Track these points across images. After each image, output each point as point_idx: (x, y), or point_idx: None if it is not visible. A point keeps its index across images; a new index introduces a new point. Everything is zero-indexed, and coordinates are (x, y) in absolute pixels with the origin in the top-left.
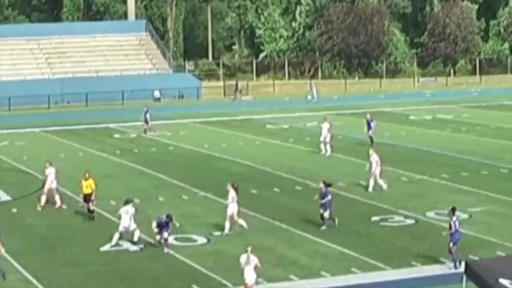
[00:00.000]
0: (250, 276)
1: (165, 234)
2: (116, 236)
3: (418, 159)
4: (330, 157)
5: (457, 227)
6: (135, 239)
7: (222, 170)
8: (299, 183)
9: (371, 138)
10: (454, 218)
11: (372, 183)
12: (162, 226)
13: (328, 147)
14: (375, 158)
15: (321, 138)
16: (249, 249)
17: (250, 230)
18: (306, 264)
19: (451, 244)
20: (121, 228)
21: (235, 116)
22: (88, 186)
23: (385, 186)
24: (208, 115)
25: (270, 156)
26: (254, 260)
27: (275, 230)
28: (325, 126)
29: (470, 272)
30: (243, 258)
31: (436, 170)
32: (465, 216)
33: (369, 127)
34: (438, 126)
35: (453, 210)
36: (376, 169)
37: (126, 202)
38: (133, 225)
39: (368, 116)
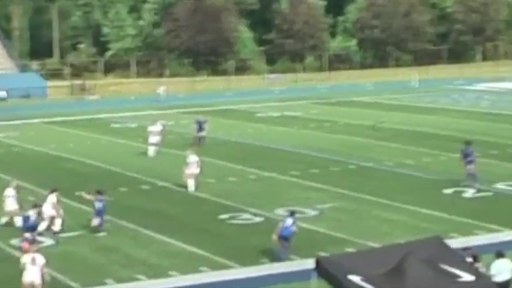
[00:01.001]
0: (33, 276)
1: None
2: None
3: (267, 156)
4: (178, 155)
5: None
6: None
7: (69, 171)
8: (147, 182)
9: (200, 140)
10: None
11: (192, 183)
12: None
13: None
14: (194, 158)
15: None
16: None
17: (97, 230)
18: (154, 263)
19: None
20: None
21: (83, 115)
22: None
23: (193, 188)
24: (55, 115)
25: (117, 156)
26: (41, 260)
27: (122, 230)
28: (157, 127)
29: (320, 268)
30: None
31: (285, 167)
32: (315, 213)
33: (200, 128)
34: (286, 123)
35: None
36: (196, 170)
37: None
38: None
39: (200, 117)
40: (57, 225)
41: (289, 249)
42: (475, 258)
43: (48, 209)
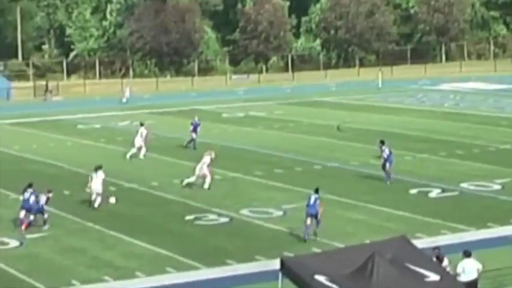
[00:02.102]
0: None
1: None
2: None
3: (232, 157)
4: (144, 156)
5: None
6: None
7: (33, 172)
8: (112, 184)
9: (191, 142)
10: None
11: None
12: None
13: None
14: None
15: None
16: None
17: (63, 231)
18: (120, 265)
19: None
20: None
21: (46, 116)
22: None
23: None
24: (19, 116)
25: (82, 157)
26: None
27: (88, 231)
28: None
29: (285, 268)
30: None
31: (250, 168)
32: (280, 213)
33: (195, 130)
34: (251, 123)
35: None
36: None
37: None
38: None
39: (196, 119)
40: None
41: (318, 225)
42: (439, 259)
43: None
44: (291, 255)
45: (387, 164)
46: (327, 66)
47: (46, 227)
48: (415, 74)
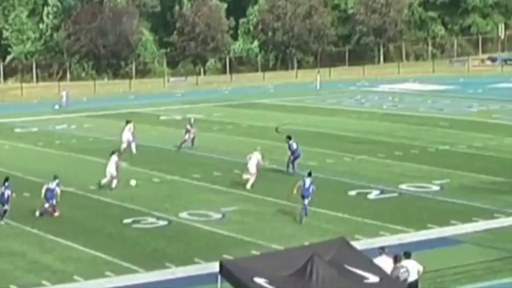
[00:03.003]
0: None
1: None
2: None
3: (170, 159)
4: (82, 159)
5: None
6: None
7: None
8: None
9: (182, 144)
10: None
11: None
12: None
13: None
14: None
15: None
16: None
17: (1, 235)
18: (58, 269)
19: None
20: None
21: None
22: None
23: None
24: None
25: (19, 161)
26: None
27: (26, 235)
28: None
29: (224, 271)
30: None
31: (188, 170)
32: (219, 216)
33: (188, 131)
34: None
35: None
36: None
37: None
38: None
39: (192, 119)
40: None
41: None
42: (396, 259)
43: None
44: (230, 258)
45: (292, 158)
46: (265, 68)
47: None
48: (354, 75)
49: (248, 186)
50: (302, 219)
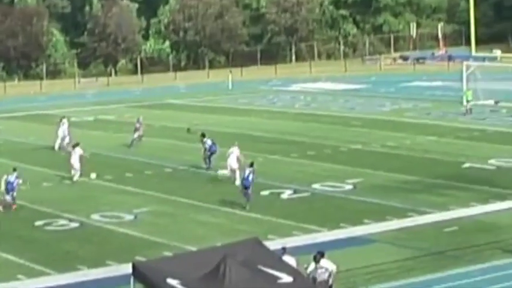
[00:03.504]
0: None
1: None
2: None
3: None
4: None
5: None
6: None
7: None
8: None
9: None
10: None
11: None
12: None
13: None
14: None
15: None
16: None
17: None
18: None
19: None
20: None
21: None
22: None
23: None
24: None
25: None
26: None
27: None
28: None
29: (137, 273)
30: None
31: (100, 171)
32: (131, 217)
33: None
34: (100, 127)
35: None
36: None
37: None
38: None
39: (141, 118)
40: None
41: (251, 196)
42: (316, 259)
43: None
44: (143, 259)
45: (208, 154)
46: (177, 68)
47: None
48: (266, 75)
49: (237, 182)
50: (246, 207)
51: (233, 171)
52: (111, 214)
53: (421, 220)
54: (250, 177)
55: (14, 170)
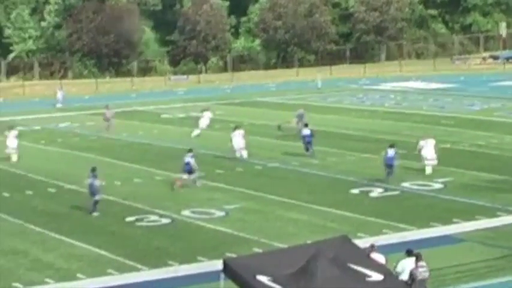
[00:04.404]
0: None
1: None
2: None
3: (172, 157)
4: (84, 157)
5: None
6: None
7: None
8: (52, 185)
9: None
10: None
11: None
12: None
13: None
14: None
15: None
16: None
17: (3, 233)
18: (61, 267)
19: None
20: None
21: None
22: None
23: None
24: None
25: (21, 159)
26: None
27: (29, 233)
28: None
29: (227, 269)
30: None
31: None
32: (221, 214)
33: (301, 120)
34: (191, 124)
35: None
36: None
37: None
38: None
39: (301, 110)
40: None
41: (393, 175)
42: (417, 258)
43: None
44: (233, 255)
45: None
46: (267, 66)
47: None
48: (355, 73)
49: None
50: (388, 182)
51: (240, 149)
52: (202, 210)
53: (510, 220)
54: (395, 158)
55: (93, 169)
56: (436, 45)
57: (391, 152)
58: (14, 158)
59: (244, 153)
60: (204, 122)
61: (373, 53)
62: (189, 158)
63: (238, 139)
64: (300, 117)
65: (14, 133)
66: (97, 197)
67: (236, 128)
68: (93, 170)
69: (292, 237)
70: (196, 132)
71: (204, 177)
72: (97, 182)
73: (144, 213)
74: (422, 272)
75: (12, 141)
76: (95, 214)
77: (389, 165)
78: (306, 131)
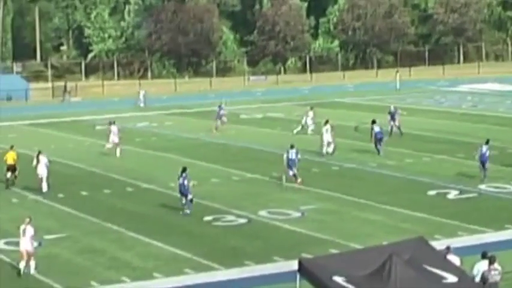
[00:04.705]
0: (25, 244)
1: None
2: None
3: (249, 158)
4: (162, 157)
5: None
6: None
7: (52, 173)
8: (130, 184)
9: (398, 129)
10: None
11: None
12: None
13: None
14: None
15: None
16: (27, 220)
17: (81, 232)
18: (138, 265)
19: None
20: None
21: (65, 117)
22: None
23: None
24: (37, 117)
25: (99, 158)
26: (30, 231)
27: (107, 232)
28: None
29: (303, 269)
30: (21, 229)
31: (267, 169)
32: (297, 214)
33: (393, 119)
34: (269, 124)
35: None
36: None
37: None
38: None
39: (392, 107)
40: None
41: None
42: (491, 260)
43: None
44: (309, 256)
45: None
46: (345, 67)
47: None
48: (433, 75)
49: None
50: (484, 180)
51: (329, 143)
52: (278, 211)
53: None
54: (487, 154)
55: (184, 170)
56: None
57: (484, 148)
58: (117, 153)
59: (330, 148)
60: (308, 121)
61: (451, 55)
62: (293, 154)
63: (325, 134)
64: (392, 115)
65: (114, 128)
66: (190, 197)
67: (326, 122)
68: (184, 170)
69: (368, 238)
70: (298, 128)
71: (279, 178)
72: (188, 182)
73: (221, 213)
74: (494, 276)
75: (112, 137)
76: (187, 212)
77: (482, 162)
78: (377, 128)
